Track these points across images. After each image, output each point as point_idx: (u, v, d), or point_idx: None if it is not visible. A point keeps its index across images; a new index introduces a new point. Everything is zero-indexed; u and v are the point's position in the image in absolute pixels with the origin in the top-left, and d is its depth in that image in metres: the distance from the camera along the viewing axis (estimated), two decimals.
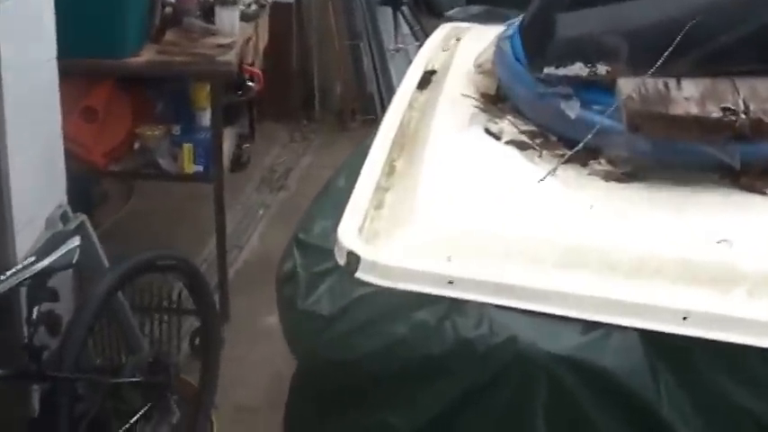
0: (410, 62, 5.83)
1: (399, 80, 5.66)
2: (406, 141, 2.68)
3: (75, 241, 2.32)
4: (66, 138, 2.92)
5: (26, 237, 2.54)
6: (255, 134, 5.15)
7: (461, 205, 2.24)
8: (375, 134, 2.73)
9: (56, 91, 2.78)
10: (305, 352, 2.24)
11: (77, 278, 2.86)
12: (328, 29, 5.82)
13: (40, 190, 2.72)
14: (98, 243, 2.91)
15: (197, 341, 3.46)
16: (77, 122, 3.32)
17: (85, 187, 4.16)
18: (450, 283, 1.99)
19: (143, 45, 3.49)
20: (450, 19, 5.21)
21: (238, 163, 4.89)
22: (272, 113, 5.56)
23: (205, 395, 3.14)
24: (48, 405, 2.30)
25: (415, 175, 2.41)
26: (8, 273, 2.13)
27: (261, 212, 4.85)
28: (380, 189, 2.40)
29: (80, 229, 2.84)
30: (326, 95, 6.00)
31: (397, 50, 5.97)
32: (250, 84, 3.91)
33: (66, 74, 2.80)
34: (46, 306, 2.27)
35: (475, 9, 6.19)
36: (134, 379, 2.61)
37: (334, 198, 2.48)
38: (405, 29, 6.01)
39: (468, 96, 2.77)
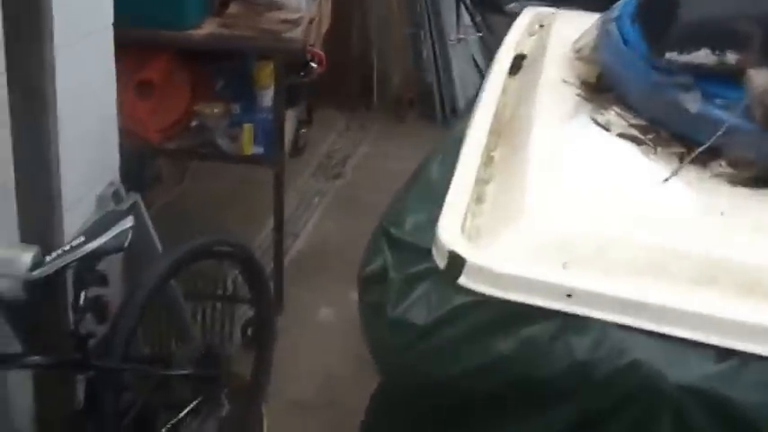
0: (471, 53, 5.86)
1: (460, 71, 5.67)
2: (502, 129, 2.43)
3: (128, 222, 2.14)
4: (120, 112, 2.75)
5: (75, 216, 2.38)
6: (313, 120, 5.04)
7: (577, 203, 1.97)
8: (467, 121, 2.48)
9: (111, 62, 2.61)
10: (393, 366, 1.97)
11: (128, 262, 2.71)
12: (389, 16, 5.64)
13: (91, 166, 2.56)
14: (151, 225, 2.75)
15: (250, 332, 3.28)
16: (132, 97, 3.14)
17: (138, 166, 4.04)
18: (569, 296, 1.75)
19: (205, 17, 3.30)
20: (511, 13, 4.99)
21: (295, 148, 4.81)
22: (330, 100, 5.42)
23: (257, 389, 2.97)
24: (93, 396, 2.13)
25: (520, 167, 2.15)
26: (54, 254, 1.96)
27: (317, 200, 4.68)
28: (480, 181, 2.15)
29: (133, 210, 2.68)
30: (385, 84, 5.81)
31: (459, 41, 5.75)
32: (313, 65, 3.72)
33: (122, 44, 2.63)
34: (94, 291, 2.09)
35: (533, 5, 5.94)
36: (184, 371, 2.43)
37: (426, 189, 2.21)
38: (466, 19, 5.78)
39: (570, 83, 2.52)
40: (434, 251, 1.90)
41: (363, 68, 5.76)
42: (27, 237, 2.05)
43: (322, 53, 3.84)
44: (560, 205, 1.97)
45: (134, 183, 2.80)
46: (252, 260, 2.69)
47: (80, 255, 1.99)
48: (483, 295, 1.80)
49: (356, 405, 2.31)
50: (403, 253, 1.98)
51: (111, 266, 2.57)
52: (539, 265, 1.80)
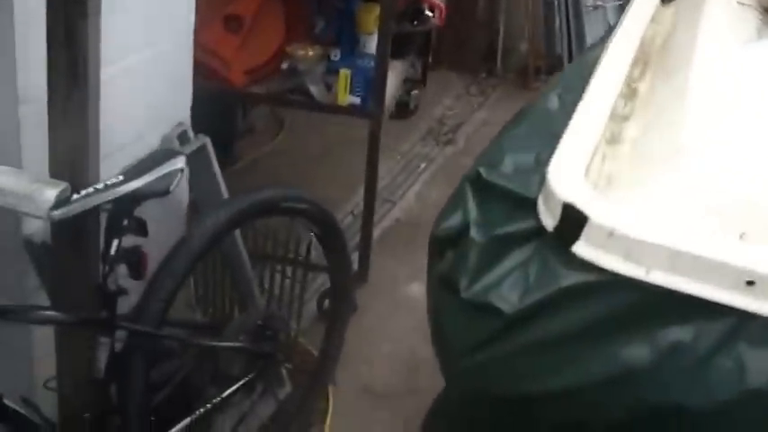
0: (607, 23, 5.38)
1: (593, 40, 5.19)
2: (651, 59, 1.96)
3: (178, 163, 1.80)
4: (203, 47, 2.44)
5: (129, 156, 2.06)
6: (427, 81, 4.67)
7: (755, 147, 1.44)
8: (599, 51, 1.99)
9: None
10: (463, 371, 1.42)
11: (191, 214, 2.39)
12: None
13: (157, 101, 2.26)
14: (220, 175, 2.42)
15: (325, 304, 2.95)
16: (218, 31, 2.82)
17: (229, 114, 3.77)
18: (750, 283, 1.17)
19: None
20: None
21: (405, 109, 4.52)
22: (449, 61, 5.15)
23: (324, 368, 2.64)
24: (117, 364, 1.82)
25: (675, 103, 1.63)
26: (83, 192, 1.64)
27: (422, 166, 4.31)
28: (617, 117, 1.65)
29: (200, 155, 2.37)
30: (510, 50, 5.45)
31: (596, 7, 5.33)
32: (429, 14, 3.34)
33: None
34: (130, 241, 1.77)
35: None
36: (234, 344, 2.11)
37: (539, 123, 1.68)
38: None
39: (747, 4, 2.06)
40: (541, 203, 1.35)
41: (489, 32, 5.41)
42: (59, 174, 1.74)
43: (442, 4, 3.46)
44: (731, 150, 1.42)
45: (221, 132, 2.48)
46: (329, 222, 2.34)
47: (114, 196, 1.67)
48: (609, 272, 1.24)
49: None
50: (493, 204, 1.45)
51: (161, 213, 2.28)
52: (699, 233, 1.24)
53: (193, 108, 2.38)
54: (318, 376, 2.64)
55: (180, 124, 2.34)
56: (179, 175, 1.80)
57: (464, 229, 1.46)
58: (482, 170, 1.52)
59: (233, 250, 2.44)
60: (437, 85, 4.92)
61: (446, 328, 1.46)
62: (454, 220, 1.51)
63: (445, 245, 1.50)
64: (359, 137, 3.42)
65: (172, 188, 1.78)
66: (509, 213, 1.40)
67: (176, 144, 2.29)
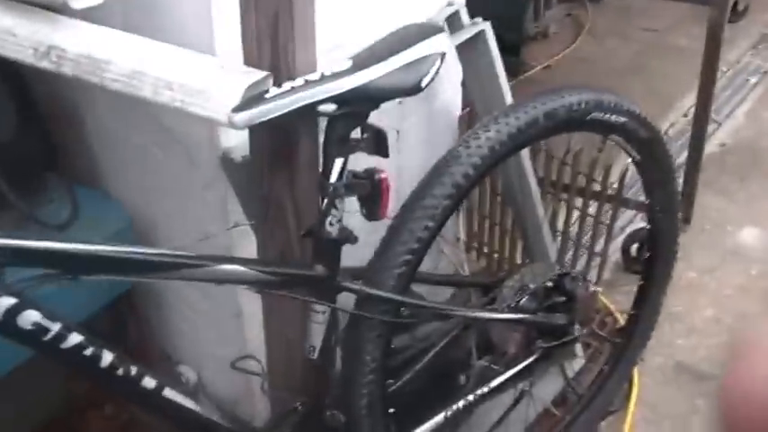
0: None
1: None
2: None
3: (437, 45, 1.17)
4: None
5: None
6: None
7: None
8: None
9: None
10: None
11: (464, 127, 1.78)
12: None
13: None
14: (504, 76, 1.77)
15: (635, 250, 2.25)
16: None
17: (516, 9, 3.16)
18: None
19: None
20: None
21: (733, 10, 3.61)
22: None
23: (632, 339, 1.94)
24: (340, 341, 1.24)
25: None
26: (288, 84, 1.05)
27: (753, 81, 3.44)
28: None
29: (477, 45, 1.73)
30: None
31: None
32: None
33: None
34: (364, 161, 1.17)
35: None
36: (512, 315, 1.47)
37: None
38: None
39: None
40: None
41: None
42: (255, 59, 1.16)
43: None
44: None
45: (502, 29, 1.83)
46: (656, 141, 1.62)
47: (334, 92, 1.07)
48: None
49: None
50: None
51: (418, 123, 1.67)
52: None
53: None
54: (624, 348, 1.95)
55: (450, 3, 1.70)
56: (437, 62, 1.17)
57: None
58: None
59: (518, 177, 1.79)
60: None
61: None
62: None
63: None
64: (672, 45, 2.70)
65: (425, 82, 1.15)
66: None
67: (445, 29, 1.66)
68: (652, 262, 1.85)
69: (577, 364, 2.05)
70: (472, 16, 1.74)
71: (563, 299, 1.55)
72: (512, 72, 2.85)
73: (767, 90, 3.40)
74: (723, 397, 0.62)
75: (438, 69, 1.17)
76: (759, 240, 2.62)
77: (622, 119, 1.51)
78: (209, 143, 1.36)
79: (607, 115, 1.48)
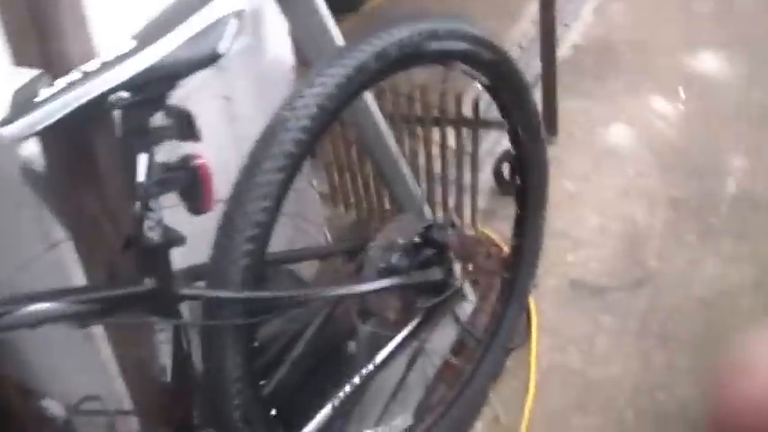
0: None
1: None
2: None
3: (235, 2, 1.01)
4: None
5: None
6: None
7: None
8: None
9: None
10: None
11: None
12: None
13: None
14: (330, 18, 1.61)
15: (505, 169, 2.16)
16: None
17: None
18: None
19: None
20: None
21: None
22: None
23: (519, 268, 1.83)
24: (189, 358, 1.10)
25: None
26: (63, 80, 0.89)
27: None
28: None
29: None
30: None
31: None
32: None
33: None
34: (175, 149, 1.02)
35: None
36: (381, 283, 1.34)
37: None
38: None
39: None
40: None
41: None
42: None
43: None
44: None
45: None
46: (503, 62, 1.48)
47: (115, 82, 0.91)
48: None
49: (675, 282, 1.71)
50: None
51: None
52: None
53: None
54: (513, 281, 1.85)
55: None
56: (233, 23, 1.01)
57: None
58: None
59: (368, 122, 1.66)
60: None
61: None
62: None
63: None
64: None
65: (223, 48, 1.00)
66: None
67: None
68: (524, 186, 1.74)
69: (469, 306, 1.94)
70: None
71: (434, 251, 1.42)
72: (351, 5, 2.70)
73: None
74: (717, 415, 0.62)
75: (237, 30, 1.01)
76: (629, 136, 2.55)
77: (462, 45, 1.38)
78: (8, 152, 1.18)
79: (444, 44, 1.35)
